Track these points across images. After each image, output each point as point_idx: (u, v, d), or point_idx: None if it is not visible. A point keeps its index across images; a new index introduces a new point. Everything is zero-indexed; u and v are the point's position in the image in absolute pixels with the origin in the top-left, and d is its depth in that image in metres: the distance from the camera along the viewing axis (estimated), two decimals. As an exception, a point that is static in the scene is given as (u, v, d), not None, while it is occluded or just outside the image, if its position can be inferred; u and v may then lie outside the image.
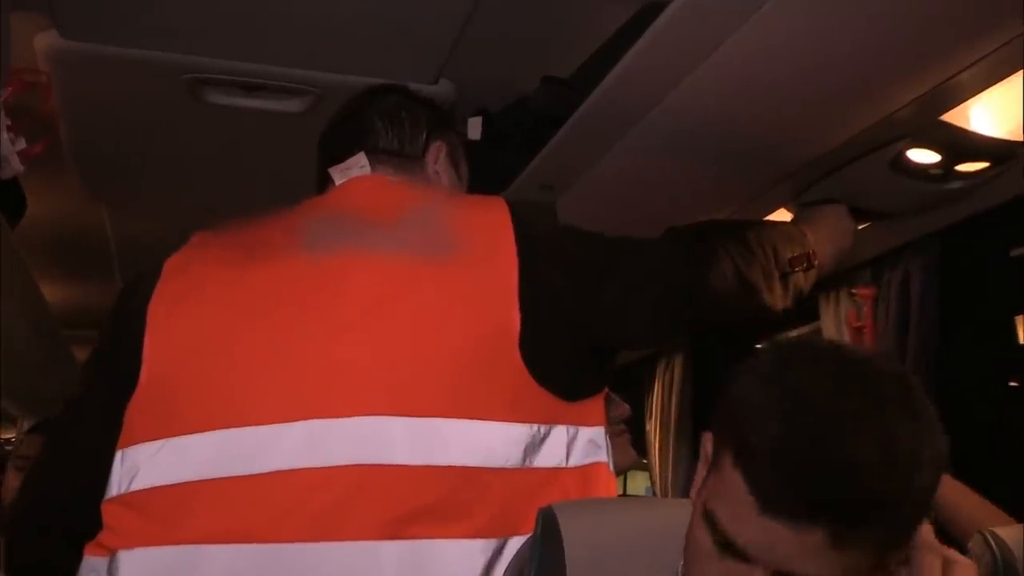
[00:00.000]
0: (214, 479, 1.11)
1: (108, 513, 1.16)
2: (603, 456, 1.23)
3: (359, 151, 1.37)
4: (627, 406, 1.58)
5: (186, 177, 2.70)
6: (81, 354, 4.94)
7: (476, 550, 1.14)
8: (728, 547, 0.93)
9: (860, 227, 2.08)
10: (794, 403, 0.88)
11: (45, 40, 1.91)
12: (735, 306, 1.37)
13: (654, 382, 3.38)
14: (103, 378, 1.22)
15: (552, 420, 1.17)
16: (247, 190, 2.74)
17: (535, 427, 1.17)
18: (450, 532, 1.13)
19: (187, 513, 1.11)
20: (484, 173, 2.27)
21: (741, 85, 1.54)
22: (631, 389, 3.66)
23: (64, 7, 1.82)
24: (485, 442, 1.14)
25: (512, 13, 1.92)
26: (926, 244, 2.09)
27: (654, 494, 3.34)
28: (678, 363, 3.24)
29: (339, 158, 1.38)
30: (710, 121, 1.68)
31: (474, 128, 2.18)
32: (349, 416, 1.10)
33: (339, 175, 1.35)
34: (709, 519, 0.95)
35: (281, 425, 1.10)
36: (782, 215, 2.08)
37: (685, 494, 1.03)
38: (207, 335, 1.16)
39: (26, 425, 5.26)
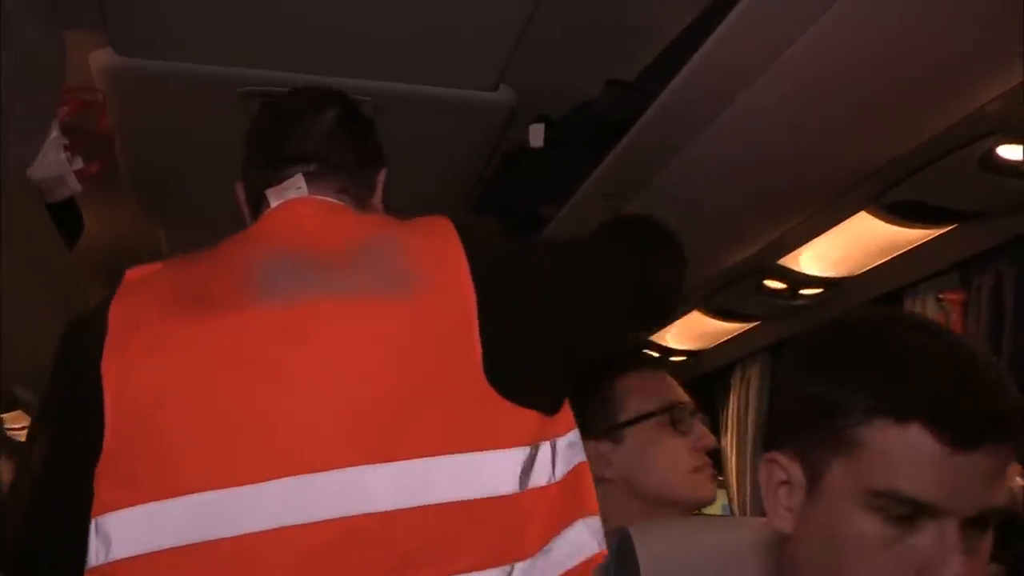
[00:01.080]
0: (193, 544, 1.10)
1: None
2: (582, 453, 1.21)
3: (297, 168, 1.33)
4: (712, 437, 1.56)
5: (229, 194, 2.74)
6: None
7: None
8: (921, 510, 0.92)
9: (947, 229, 2.04)
10: (931, 344, 0.94)
11: (100, 58, 1.96)
12: (673, 301, 1.42)
13: (729, 395, 3.34)
14: (64, 443, 1.18)
15: (539, 438, 1.17)
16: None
17: (525, 449, 1.16)
18: (452, 569, 1.11)
19: None
20: (546, 182, 2.27)
21: (817, 82, 1.51)
22: (704, 403, 3.61)
23: (119, 24, 1.86)
24: (475, 474, 1.13)
25: (573, 16, 1.91)
26: (1019, 246, 2.05)
27: (731, 513, 3.29)
28: (754, 373, 3.20)
29: (272, 168, 1.34)
30: (785, 122, 1.66)
31: (536, 135, 2.18)
32: (326, 470, 1.10)
33: (275, 197, 1.31)
34: (882, 499, 0.93)
35: (257, 485, 1.10)
36: (864, 218, 2.05)
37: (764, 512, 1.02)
38: (169, 396, 1.13)
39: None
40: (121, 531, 1.10)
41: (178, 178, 2.61)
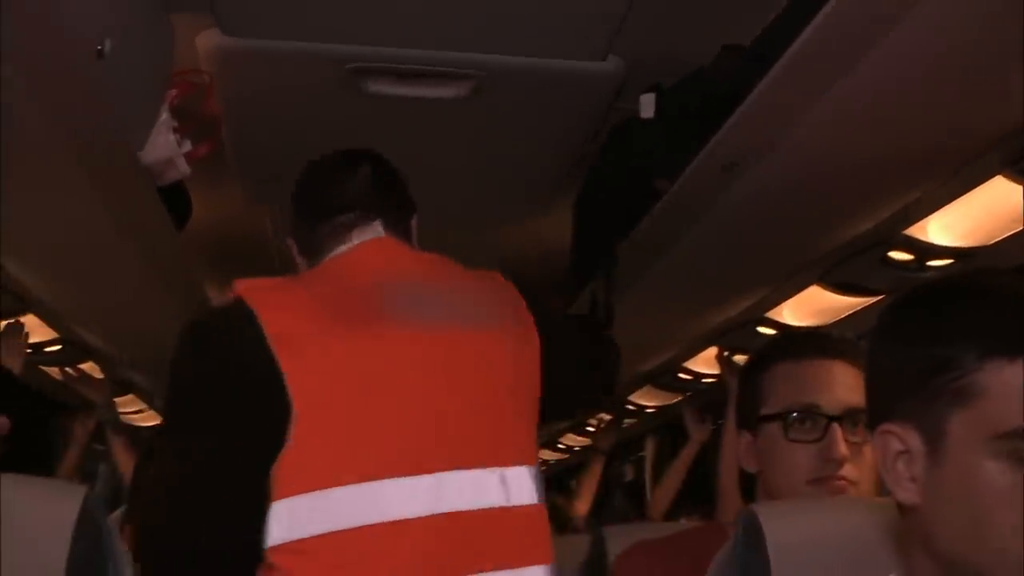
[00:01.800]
0: (366, 526, 1.34)
1: (277, 557, 1.35)
2: None
3: (367, 212, 1.59)
4: (842, 450, 1.51)
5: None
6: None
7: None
8: None
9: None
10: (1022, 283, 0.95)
11: (208, 39, 2.00)
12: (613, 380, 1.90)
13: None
14: (239, 437, 1.36)
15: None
16: (408, 182, 2.80)
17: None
18: (531, 561, 1.46)
19: (348, 556, 1.35)
20: (658, 155, 2.26)
21: (949, 40, 1.47)
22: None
23: (226, 4, 1.90)
24: (536, 483, 1.49)
25: (684, -20, 1.89)
26: None
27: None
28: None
29: (321, 218, 1.60)
30: (912, 84, 1.61)
31: (647, 105, 2.16)
32: (465, 469, 1.42)
33: (359, 235, 1.58)
34: (1010, 441, 0.90)
35: (413, 477, 1.36)
36: (999, 184, 1.99)
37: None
38: (338, 399, 1.36)
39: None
40: (306, 513, 1.33)
41: (285, 160, 2.65)
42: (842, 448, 1.43)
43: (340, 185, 1.62)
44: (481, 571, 1.40)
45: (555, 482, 6.69)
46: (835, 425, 1.45)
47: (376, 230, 1.58)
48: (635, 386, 4.39)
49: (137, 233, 2.32)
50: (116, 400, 3.85)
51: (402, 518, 1.36)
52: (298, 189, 1.67)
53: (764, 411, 1.50)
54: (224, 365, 1.37)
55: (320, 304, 1.42)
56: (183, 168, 2.08)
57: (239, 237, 3.80)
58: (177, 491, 1.35)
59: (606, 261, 2.64)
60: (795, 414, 1.47)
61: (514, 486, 1.45)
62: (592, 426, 4.97)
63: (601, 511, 4.95)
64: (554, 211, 3.05)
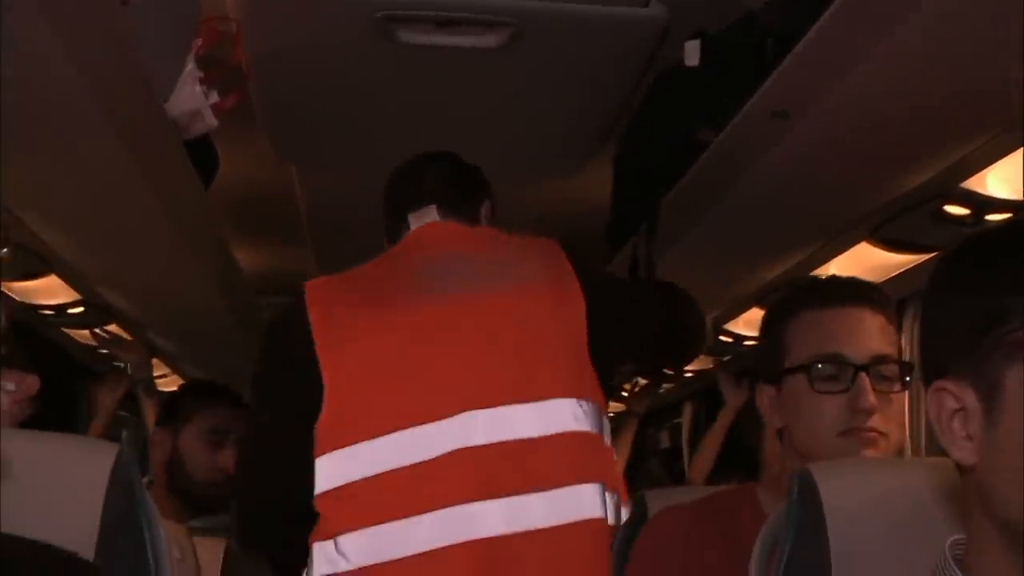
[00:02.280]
0: (404, 466, 1.62)
1: (323, 505, 1.65)
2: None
3: (429, 204, 1.90)
4: (871, 399, 1.49)
5: (377, 130, 2.77)
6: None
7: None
8: None
9: None
10: None
11: (234, -15, 1.99)
12: (689, 342, 2.19)
13: (899, 337, 3.26)
14: (288, 411, 1.72)
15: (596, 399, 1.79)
16: (442, 138, 2.78)
17: (597, 404, 1.77)
18: (571, 481, 1.67)
19: (390, 495, 1.62)
20: (704, 103, 2.24)
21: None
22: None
23: (252, -52, 1.88)
24: (581, 412, 1.71)
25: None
26: None
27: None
28: (930, 312, 3.11)
29: (407, 210, 1.91)
30: (976, 27, 1.58)
31: (691, 53, 2.13)
32: (493, 407, 1.65)
33: (416, 221, 1.89)
34: None
35: (439, 422, 1.63)
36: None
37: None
38: (368, 371, 1.68)
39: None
40: (343, 464, 1.64)
41: (313, 113, 2.66)
42: (871, 398, 1.42)
43: (405, 183, 1.95)
44: (514, 492, 1.64)
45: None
46: (863, 374, 1.43)
47: (431, 215, 1.87)
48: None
49: (163, 189, 2.32)
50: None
51: (431, 457, 1.62)
52: (384, 192, 2.00)
53: (788, 363, 1.49)
54: (279, 356, 1.76)
55: (363, 291, 1.76)
56: (210, 120, 2.07)
57: (266, 195, 3.81)
58: (246, 455, 1.82)
59: (647, 217, 2.62)
60: (820, 364, 1.45)
61: (551, 416, 1.66)
62: (626, 390, 4.96)
63: (635, 477, 4.95)
64: (595, 165, 3.04)
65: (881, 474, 1.29)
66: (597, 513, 1.67)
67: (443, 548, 1.59)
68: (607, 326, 1.76)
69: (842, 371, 1.44)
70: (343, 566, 1.61)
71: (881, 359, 1.45)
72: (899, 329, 3.00)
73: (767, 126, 1.99)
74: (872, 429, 1.43)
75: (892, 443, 1.44)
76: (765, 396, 1.53)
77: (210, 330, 3.95)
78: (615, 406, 6.01)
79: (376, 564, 1.60)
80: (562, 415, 1.68)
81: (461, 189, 1.94)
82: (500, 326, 1.71)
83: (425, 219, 1.88)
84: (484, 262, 1.79)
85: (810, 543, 1.21)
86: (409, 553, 1.59)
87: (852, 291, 1.51)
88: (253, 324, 4.37)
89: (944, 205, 2.41)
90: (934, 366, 0.98)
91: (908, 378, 1.48)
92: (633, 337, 1.90)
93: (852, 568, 1.19)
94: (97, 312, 3.39)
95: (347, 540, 1.61)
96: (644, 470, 5.70)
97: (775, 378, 1.51)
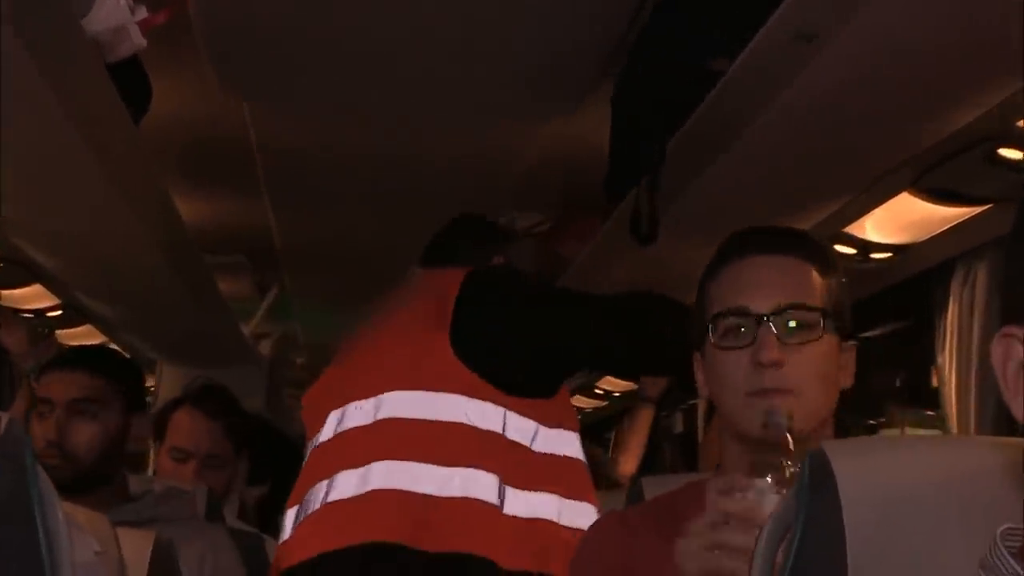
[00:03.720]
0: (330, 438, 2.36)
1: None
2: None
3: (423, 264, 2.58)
4: (772, 351, 1.49)
5: (344, 63, 2.74)
6: (225, 285, 5.15)
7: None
8: None
9: None
10: None
11: None
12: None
13: (948, 302, 3.25)
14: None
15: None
16: (421, 74, 2.75)
17: None
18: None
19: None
20: (716, 28, 2.22)
21: None
22: (914, 311, 3.52)
23: None
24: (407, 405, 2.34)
25: None
26: None
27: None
28: (982, 273, 3.10)
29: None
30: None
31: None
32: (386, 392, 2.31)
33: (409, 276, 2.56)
34: None
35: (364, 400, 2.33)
36: None
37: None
38: (322, 394, 2.48)
39: (165, 371, 5.54)
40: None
41: (265, 41, 2.62)
42: (770, 352, 1.45)
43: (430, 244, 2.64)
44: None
45: (591, 433, 6.72)
46: (766, 325, 1.46)
47: (412, 275, 2.53)
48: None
49: (84, 120, 2.27)
50: (68, 332, 3.85)
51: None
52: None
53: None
54: None
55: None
56: (138, 39, 2.04)
57: (214, 138, 3.78)
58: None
59: (650, 163, 2.61)
60: (724, 318, 1.50)
61: (383, 408, 2.27)
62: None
63: (650, 468, 4.96)
64: (595, 106, 3.02)
65: (908, 453, 1.29)
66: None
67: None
68: (480, 340, 2.28)
69: (747, 324, 1.48)
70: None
71: (789, 308, 1.47)
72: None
73: (790, 51, 1.97)
74: (776, 389, 1.45)
75: (809, 401, 1.46)
76: (696, 365, 1.57)
77: (149, 293, 3.92)
78: (622, 385, 6.03)
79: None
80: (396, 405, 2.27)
81: (445, 248, 2.56)
82: (384, 340, 2.40)
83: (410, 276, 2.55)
84: (396, 308, 2.45)
85: (824, 533, 1.21)
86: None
87: (766, 239, 1.54)
88: (200, 287, 4.35)
89: (999, 148, 2.40)
90: (1010, 310, 0.97)
91: (825, 326, 1.49)
92: (533, 348, 2.31)
93: (873, 560, 1.18)
94: (15, 271, 3.36)
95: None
96: (658, 460, 5.71)
97: (700, 344, 1.55)
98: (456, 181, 4.29)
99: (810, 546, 1.23)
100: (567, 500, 2.27)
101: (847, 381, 1.54)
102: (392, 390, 2.27)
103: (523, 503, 2.24)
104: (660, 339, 2.30)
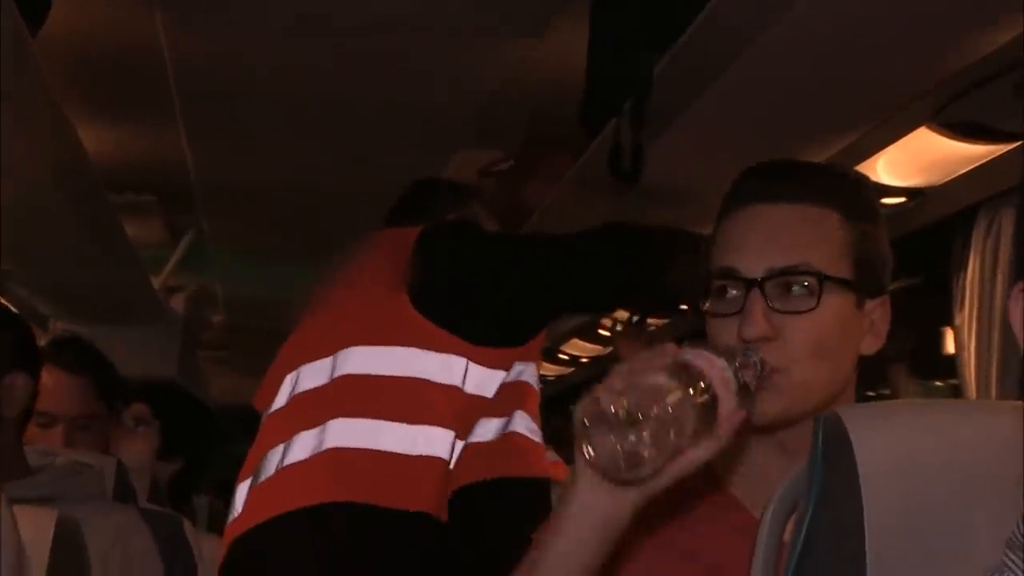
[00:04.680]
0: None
1: None
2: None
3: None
4: (758, 324, 1.47)
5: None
6: (137, 228, 5.11)
7: None
8: None
9: None
10: None
11: None
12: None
13: (968, 253, 3.27)
14: None
15: None
16: None
17: None
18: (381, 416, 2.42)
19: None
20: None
21: None
22: (930, 264, 3.55)
23: None
24: (364, 359, 2.48)
25: None
26: None
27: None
28: (1008, 220, 3.12)
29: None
30: None
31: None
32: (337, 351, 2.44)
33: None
34: None
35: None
36: None
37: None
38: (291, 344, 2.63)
39: (59, 326, 5.49)
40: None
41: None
42: (756, 325, 1.45)
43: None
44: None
45: (557, 402, 6.73)
46: (754, 292, 1.46)
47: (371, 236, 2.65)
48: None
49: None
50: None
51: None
52: None
53: None
54: None
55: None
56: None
57: (118, 53, 3.74)
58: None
59: (633, 91, 2.61)
60: (714, 282, 1.50)
61: (340, 365, 2.40)
62: (606, 329, 4.97)
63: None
64: (565, 25, 3.02)
65: (931, 420, 1.31)
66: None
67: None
68: (439, 292, 2.44)
69: (737, 289, 1.48)
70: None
71: (783, 271, 1.46)
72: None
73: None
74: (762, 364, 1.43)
75: (795, 379, 1.45)
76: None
77: (43, 236, 3.89)
78: (591, 348, 6.05)
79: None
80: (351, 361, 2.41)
81: (412, 203, 2.74)
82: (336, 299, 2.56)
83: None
84: (357, 263, 2.60)
85: (839, 505, 1.23)
86: None
87: (774, 183, 1.52)
88: (105, 231, 4.32)
89: (1031, 76, 2.42)
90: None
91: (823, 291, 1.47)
92: (493, 295, 2.45)
93: (893, 536, 1.20)
94: None
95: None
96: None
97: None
98: (405, 114, 4.28)
99: (824, 522, 1.25)
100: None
101: (872, 345, 1.52)
102: (348, 347, 2.39)
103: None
104: (637, 271, 2.47)
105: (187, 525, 2.84)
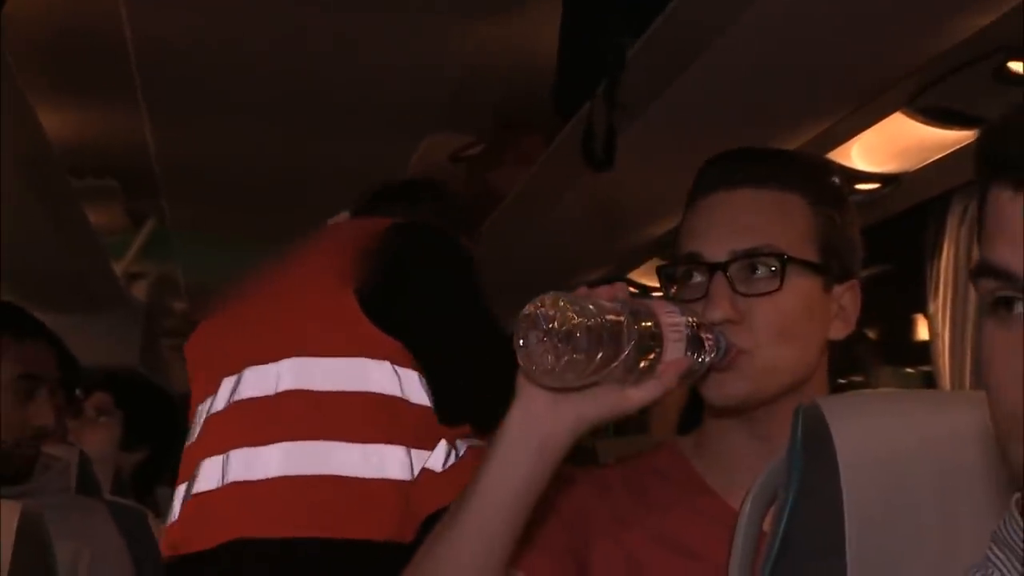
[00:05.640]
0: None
1: None
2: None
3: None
4: (720, 307, 1.48)
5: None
6: (98, 214, 5.07)
7: None
8: None
9: None
10: None
11: None
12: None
13: (943, 240, 3.29)
14: None
15: None
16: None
17: None
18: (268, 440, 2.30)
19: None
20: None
21: None
22: (905, 251, 3.56)
23: None
24: (298, 374, 2.36)
25: None
26: None
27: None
28: (984, 208, 3.13)
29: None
30: None
31: None
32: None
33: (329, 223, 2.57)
34: None
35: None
36: None
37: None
38: (210, 339, 2.54)
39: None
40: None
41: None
42: (720, 307, 1.46)
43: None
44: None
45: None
46: (717, 276, 1.48)
47: (339, 217, 2.55)
48: (638, 259, 4.37)
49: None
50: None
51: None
52: None
53: None
54: None
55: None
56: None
57: (78, 29, 3.71)
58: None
59: (608, 72, 2.60)
60: (677, 267, 1.53)
61: (285, 376, 2.28)
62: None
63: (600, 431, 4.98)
64: (537, 3, 3.01)
65: (911, 410, 1.33)
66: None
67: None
68: (391, 307, 2.29)
69: (700, 273, 1.50)
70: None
71: (746, 253, 1.48)
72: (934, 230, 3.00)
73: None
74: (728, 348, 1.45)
75: (759, 361, 1.46)
76: None
77: (5, 222, 3.86)
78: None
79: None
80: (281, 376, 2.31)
81: (387, 195, 2.57)
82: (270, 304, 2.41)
83: (333, 222, 2.56)
84: (296, 255, 2.46)
85: (819, 495, 1.24)
86: None
87: (738, 169, 1.53)
88: (66, 216, 4.29)
89: (1009, 61, 2.42)
90: None
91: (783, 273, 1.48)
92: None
93: (873, 526, 1.21)
94: None
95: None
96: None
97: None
98: (371, 96, 4.26)
99: (803, 513, 1.25)
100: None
101: (841, 330, 1.54)
102: (293, 355, 2.29)
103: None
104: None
105: (151, 518, 2.83)
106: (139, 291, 6.44)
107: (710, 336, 1.40)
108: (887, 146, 3.05)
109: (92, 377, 3.53)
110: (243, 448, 2.26)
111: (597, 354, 1.25)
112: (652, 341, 1.31)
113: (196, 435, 2.36)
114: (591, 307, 1.26)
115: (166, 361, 7.86)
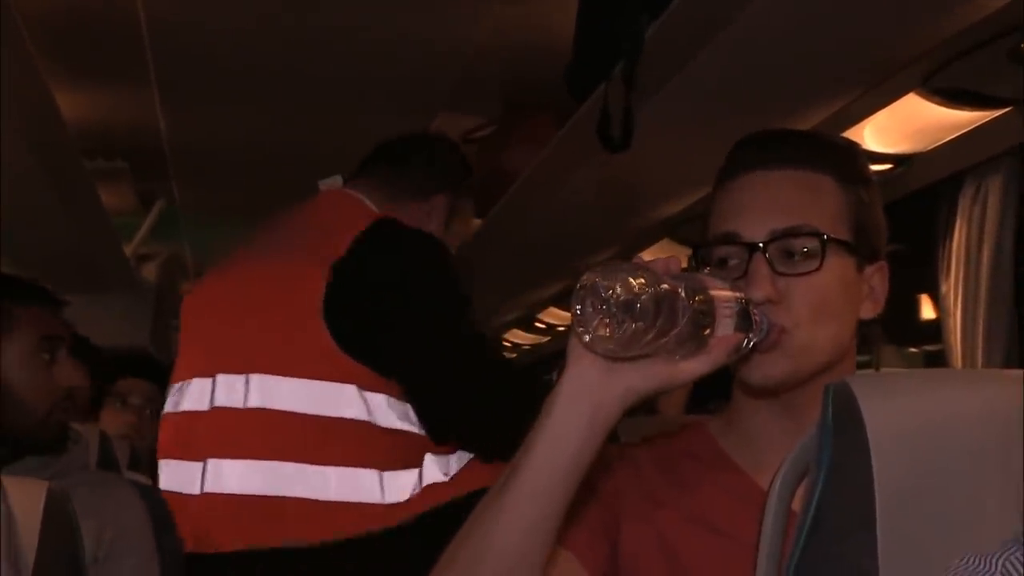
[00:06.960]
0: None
1: None
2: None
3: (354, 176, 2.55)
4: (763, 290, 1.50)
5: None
6: (108, 196, 5.07)
7: None
8: None
9: None
10: None
11: None
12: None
13: (955, 221, 3.28)
14: None
15: None
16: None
17: None
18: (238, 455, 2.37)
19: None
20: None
21: None
22: (916, 232, 3.56)
23: None
24: (266, 390, 2.36)
25: None
26: None
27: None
28: (995, 187, 3.12)
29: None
30: None
31: None
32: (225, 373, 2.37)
33: (321, 186, 2.53)
34: None
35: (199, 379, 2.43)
36: None
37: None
38: (189, 321, 2.60)
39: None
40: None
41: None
42: (761, 287, 1.46)
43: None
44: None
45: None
46: (757, 255, 1.47)
47: (335, 184, 2.51)
48: (647, 240, 4.37)
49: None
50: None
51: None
52: None
53: None
54: None
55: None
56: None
57: (93, 12, 3.70)
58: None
59: (624, 53, 2.59)
60: (712, 248, 1.52)
61: (254, 392, 2.30)
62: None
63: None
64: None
65: (940, 388, 1.32)
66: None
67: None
68: (359, 333, 2.27)
69: (738, 254, 1.49)
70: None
71: (785, 233, 1.48)
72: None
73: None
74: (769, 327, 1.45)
75: (798, 341, 1.46)
76: None
77: (15, 202, 3.86)
78: (566, 317, 6.03)
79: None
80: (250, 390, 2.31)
81: (388, 166, 2.52)
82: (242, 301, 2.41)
83: (325, 184, 2.52)
84: (281, 235, 2.46)
85: (849, 473, 1.23)
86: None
87: (768, 151, 1.53)
88: (80, 197, 4.29)
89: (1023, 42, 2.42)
90: None
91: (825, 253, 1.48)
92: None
93: (903, 503, 1.21)
94: None
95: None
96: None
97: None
98: (381, 75, 4.24)
99: (834, 490, 1.25)
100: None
101: (871, 310, 1.54)
102: (262, 372, 2.29)
103: (398, 488, 2.28)
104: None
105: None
106: (149, 272, 6.44)
107: (757, 314, 1.41)
108: (901, 126, 3.04)
109: (116, 361, 3.55)
110: (220, 460, 2.30)
111: (655, 324, 1.25)
112: (705, 316, 1.31)
113: (176, 431, 2.42)
114: (650, 277, 1.27)
115: (175, 342, 7.86)
